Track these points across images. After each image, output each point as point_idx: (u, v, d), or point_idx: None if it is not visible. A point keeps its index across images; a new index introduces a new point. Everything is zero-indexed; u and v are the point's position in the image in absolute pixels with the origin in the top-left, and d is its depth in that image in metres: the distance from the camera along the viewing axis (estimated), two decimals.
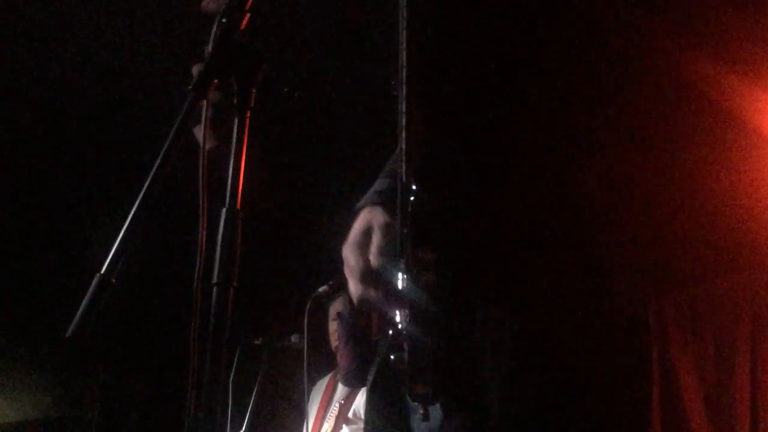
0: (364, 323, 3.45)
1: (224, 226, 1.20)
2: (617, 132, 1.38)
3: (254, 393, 3.81)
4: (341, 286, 3.44)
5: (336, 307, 3.92)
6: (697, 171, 3.74)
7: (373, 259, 1.43)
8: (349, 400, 3.79)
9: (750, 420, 4.55)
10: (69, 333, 1.07)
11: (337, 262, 1.50)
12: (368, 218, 1.47)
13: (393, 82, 1.50)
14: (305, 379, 3.36)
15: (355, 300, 1.49)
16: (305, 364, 3.34)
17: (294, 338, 3.87)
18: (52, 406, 6.11)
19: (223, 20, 1.28)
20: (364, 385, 3.37)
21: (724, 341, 4.74)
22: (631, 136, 1.40)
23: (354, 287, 1.45)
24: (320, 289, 3.42)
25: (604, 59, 1.37)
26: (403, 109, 1.32)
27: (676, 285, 4.75)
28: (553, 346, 1.32)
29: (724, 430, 4.62)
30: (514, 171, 1.36)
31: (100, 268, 1.11)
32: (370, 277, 1.42)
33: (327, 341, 3.94)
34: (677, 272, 4.53)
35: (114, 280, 1.10)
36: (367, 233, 1.46)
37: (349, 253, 1.46)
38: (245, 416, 3.77)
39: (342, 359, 3.52)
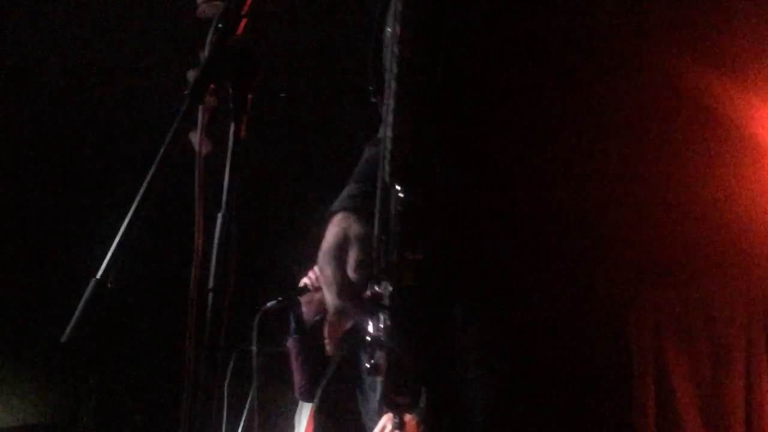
0: (315, 340, 3.50)
1: (220, 232, 1.20)
2: (609, 134, 1.37)
3: (249, 399, 3.80)
4: (291, 303, 3.48)
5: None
6: (691, 176, 3.74)
7: (351, 272, 1.42)
8: None
9: (744, 424, 4.56)
10: (64, 338, 1.07)
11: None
12: (343, 227, 1.47)
13: (370, 88, 1.48)
14: (255, 387, 3.39)
15: (331, 311, 1.49)
16: (255, 375, 3.37)
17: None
18: (45, 411, 6.09)
19: (219, 25, 1.28)
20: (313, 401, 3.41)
21: (720, 346, 4.74)
22: (624, 139, 1.39)
23: (331, 299, 1.46)
24: (269, 304, 3.42)
25: (599, 63, 1.36)
26: (391, 107, 1.28)
27: (665, 285, 4.75)
28: (546, 344, 1.32)
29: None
30: (502, 170, 1.35)
31: (96, 273, 1.10)
32: (349, 290, 1.42)
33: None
34: (665, 272, 4.53)
35: (110, 285, 1.10)
36: (342, 244, 1.45)
37: (325, 264, 1.45)
38: (240, 422, 3.77)
39: (295, 375, 3.58)
